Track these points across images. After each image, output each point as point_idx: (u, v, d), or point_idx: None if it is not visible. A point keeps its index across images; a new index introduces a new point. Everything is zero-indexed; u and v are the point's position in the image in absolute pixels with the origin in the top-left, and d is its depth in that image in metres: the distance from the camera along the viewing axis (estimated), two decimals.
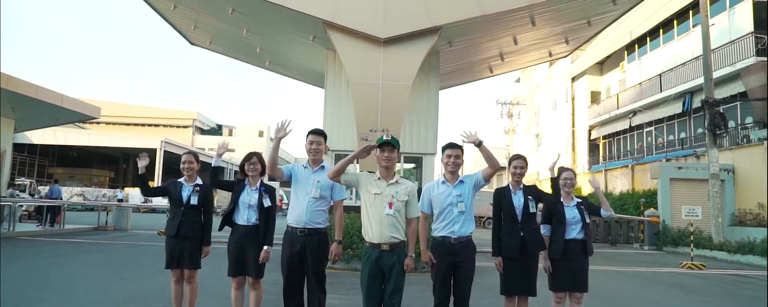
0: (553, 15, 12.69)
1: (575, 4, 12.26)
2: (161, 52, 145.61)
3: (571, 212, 4.14)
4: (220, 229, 4.26)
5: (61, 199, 17.33)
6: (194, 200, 4.30)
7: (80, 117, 16.79)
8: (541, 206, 4.22)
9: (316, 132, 3.97)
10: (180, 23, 15.16)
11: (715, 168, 14.17)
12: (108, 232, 15.94)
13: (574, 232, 4.11)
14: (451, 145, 3.81)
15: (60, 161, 44.25)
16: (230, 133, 60.94)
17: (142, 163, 4.38)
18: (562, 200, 4.21)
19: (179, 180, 4.41)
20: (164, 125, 55.98)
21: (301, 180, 3.91)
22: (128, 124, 53.45)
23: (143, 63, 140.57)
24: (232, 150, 4.05)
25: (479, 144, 3.71)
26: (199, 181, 4.43)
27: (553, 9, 12.17)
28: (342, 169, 3.58)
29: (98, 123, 50.99)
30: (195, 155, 4.48)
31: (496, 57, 15.67)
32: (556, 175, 4.26)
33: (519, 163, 4.08)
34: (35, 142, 37.84)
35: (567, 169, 4.30)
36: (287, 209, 4.13)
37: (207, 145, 52.93)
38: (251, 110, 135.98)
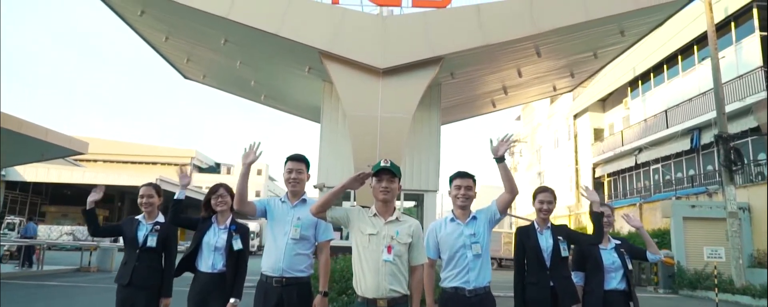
0: (558, 46, 12.19)
1: (581, 35, 11.78)
2: (160, 89, 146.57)
3: (610, 257, 3.39)
4: (178, 274, 3.50)
5: (36, 237, 16.51)
6: (152, 242, 3.56)
7: (67, 152, 16.12)
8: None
9: (296, 158, 3.27)
10: (173, 56, 14.70)
11: (733, 206, 13.40)
12: (90, 273, 15.02)
13: (614, 281, 3.36)
14: (461, 175, 3.10)
15: (53, 199, 43.40)
16: (229, 172, 60.30)
17: (92, 197, 3.66)
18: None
19: (136, 217, 3.68)
20: (162, 163, 55.42)
21: (278, 217, 3.19)
22: (125, 162, 52.89)
23: (142, 101, 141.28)
24: (189, 178, 3.21)
25: (501, 159, 3.00)
26: (160, 218, 3.70)
27: (559, 40, 11.67)
28: (328, 202, 2.86)
29: (95, 161, 50.64)
30: (155, 186, 3.76)
31: (500, 91, 15.13)
32: (598, 209, 3.43)
33: (546, 197, 3.35)
34: (28, 179, 37.10)
35: (604, 204, 3.55)
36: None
37: (205, 183, 52.16)
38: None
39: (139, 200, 3.66)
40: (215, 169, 61.61)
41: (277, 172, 67.21)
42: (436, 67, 10.81)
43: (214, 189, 3.48)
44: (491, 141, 3.06)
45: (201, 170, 59.11)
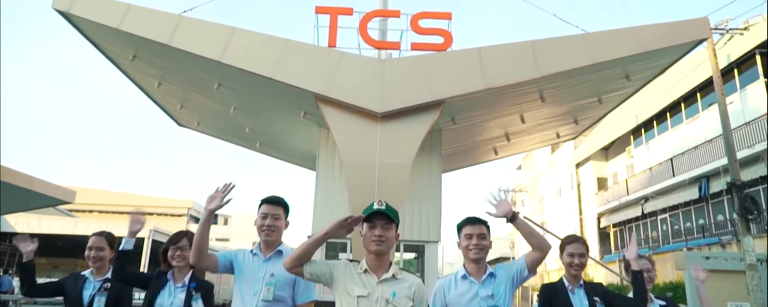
0: (562, 91, 11.83)
1: (586, 79, 11.44)
2: (157, 138, 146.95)
3: None
4: None
5: (12, 291, 15.68)
6: (100, 303, 2.95)
7: (54, 201, 15.53)
8: None
9: (272, 201, 2.70)
10: (166, 102, 14.36)
11: (752, 258, 12.67)
12: None
13: None
14: (472, 221, 2.54)
15: (44, 250, 42.12)
16: (226, 223, 59.23)
17: (26, 247, 3.07)
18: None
19: (83, 273, 3.08)
20: (158, 214, 54.51)
21: (248, 273, 2.60)
22: (121, 213, 52.00)
23: (139, 150, 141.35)
24: (141, 224, 2.61)
25: (513, 217, 2.44)
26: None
27: (563, 84, 11.33)
28: (305, 254, 2.28)
29: (90, 211, 49.82)
30: (108, 236, 3.17)
31: (502, 137, 14.69)
32: (637, 267, 2.81)
33: (577, 248, 2.77)
34: (19, 230, 36.17)
35: (642, 256, 2.95)
36: None
37: None
38: (249, 198, 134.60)
39: (86, 253, 3.07)
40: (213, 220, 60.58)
41: None
42: (437, 111, 10.39)
43: (176, 239, 2.91)
44: (490, 201, 2.51)
45: (197, 220, 58.09)
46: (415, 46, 10.55)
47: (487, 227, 2.55)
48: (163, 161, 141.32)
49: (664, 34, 10.62)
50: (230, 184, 2.61)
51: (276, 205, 2.68)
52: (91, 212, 49.58)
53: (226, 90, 11.66)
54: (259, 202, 2.68)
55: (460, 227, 2.63)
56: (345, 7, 10.60)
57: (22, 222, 33.74)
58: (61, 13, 10.49)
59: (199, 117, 15.13)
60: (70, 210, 40.60)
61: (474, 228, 2.55)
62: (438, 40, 10.57)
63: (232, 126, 14.79)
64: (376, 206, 2.33)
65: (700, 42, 11.07)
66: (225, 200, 2.54)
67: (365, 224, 2.32)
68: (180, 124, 16.31)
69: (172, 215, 54.79)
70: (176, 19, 10.27)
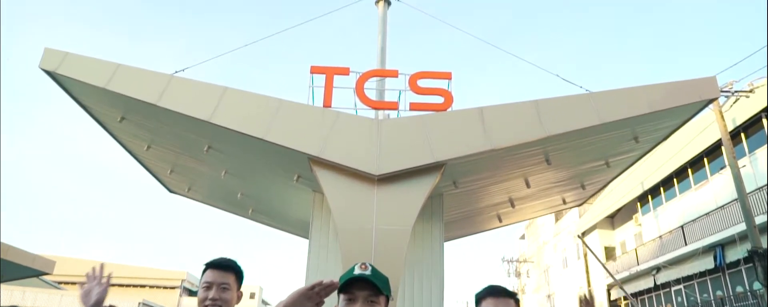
0: (568, 153, 11.32)
1: (593, 141, 10.95)
2: (151, 207, 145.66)
3: None
4: None
5: None
6: None
7: (30, 272, 14.59)
8: None
9: (219, 265, 2.04)
10: (156, 167, 13.84)
11: None
12: None
13: None
14: (496, 292, 1.87)
15: None
16: None
17: None
18: None
19: None
20: (151, 286, 52.74)
21: None
22: (111, 285, 50.30)
23: (133, 220, 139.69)
24: (103, 286, 1.94)
25: None
26: None
27: (569, 145, 10.82)
28: None
29: (82, 283, 48.08)
30: None
31: (506, 203, 14.01)
32: None
33: None
34: (3, 303, 34.66)
35: None
36: None
37: None
38: (245, 269, 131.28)
39: None
40: None
41: (272, 295, 63.89)
42: (438, 174, 9.79)
43: None
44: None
45: (191, 293, 56.08)
46: (413, 107, 10.13)
47: (516, 301, 1.88)
48: (157, 231, 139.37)
49: (673, 93, 10.25)
50: (101, 265, 1.95)
51: (224, 271, 2.04)
52: (82, 283, 47.70)
53: (216, 153, 11.15)
54: (203, 267, 2.03)
55: (480, 299, 1.96)
56: (341, 67, 10.28)
57: (5, 295, 32.40)
58: (48, 72, 10.18)
59: (190, 183, 14.53)
60: (58, 282, 39.12)
61: (499, 302, 1.88)
62: (438, 100, 10.18)
63: (224, 192, 14.17)
64: (357, 271, 1.68)
65: (710, 102, 10.68)
66: (97, 294, 1.87)
67: (341, 296, 1.66)
68: (171, 191, 15.71)
69: (165, 288, 52.94)
70: (166, 79, 9.91)
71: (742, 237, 14.21)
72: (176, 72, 10.55)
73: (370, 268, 1.74)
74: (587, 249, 28.68)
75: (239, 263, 2.16)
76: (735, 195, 16.30)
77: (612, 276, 21.79)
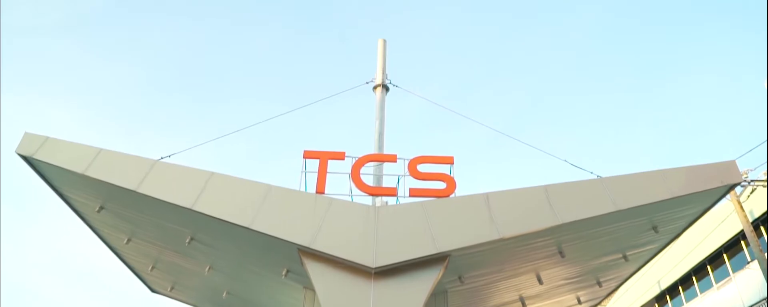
0: (583, 244, 10.43)
1: (609, 231, 10.11)
2: None
3: None
4: None
5: None
6: None
7: None
8: None
9: None
10: (137, 263, 12.88)
11: None
12: None
13: None
14: None
15: None
16: None
17: None
18: None
19: None
20: None
21: None
22: None
23: None
24: None
25: None
26: None
27: (583, 235, 9.96)
28: None
29: None
30: None
31: (516, 302, 12.83)
32: None
33: None
34: None
35: None
36: None
37: None
38: None
39: None
40: None
41: None
42: (441, 267, 8.83)
43: None
44: None
45: None
46: (413, 193, 9.39)
47: None
48: None
49: (691, 178, 9.57)
50: None
51: None
52: None
53: (200, 245, 10.26)
54: None
55: None
56: (336, 152, 9.68)
57: None
58: (24, 158, 9.60)
59: (173, 280, 13.45)
60: None
61: None
62: (439, 185, 9.45)
63: (209, 290, 13.06)
64: None
65: (732, 187, 9.96)
66: None
67: None
68: (153, 291, 14.60)
69: None
70: (148, 164, 9.30)
71: None
72: (162, 158, 9.96)
73: None
74: None
75: None
76: (764, 294, 15.07)
77: None
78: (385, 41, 13.63)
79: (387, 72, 13.06)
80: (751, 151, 13.33)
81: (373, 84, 12.93)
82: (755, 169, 13.86)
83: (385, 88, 12.70)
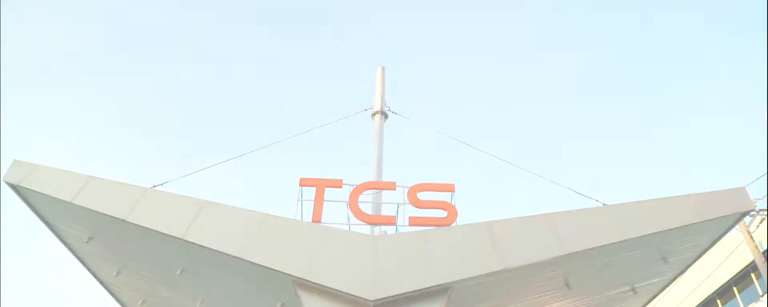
0: (590, 275, 10.06)
1: (617, 261, 9.75)
2: None
3: None
4: None
5: None
6: None
7: None
8: None
9: None
10: (127, 297, 12.44)
11: None
12: None
13: None
14: None
15: None
16: None
17: None
18: None
19: None
20: None
21: None
22: None
23: None
24: None
25: None
26: None
27: (590, 265, 9.59)
28: None
29: None
30: None
31: None
32: None
33: None
34: None
35: None
36: None
37: None
38: None
39: None
40: None
41: None
42: (443, 299, 8.42)
43: None
44: None
45: None
46: (413, 222, 9.09)
47: None
48: None
49: (701, 205, 9.27)
50: None
51: None
52: None
53: (191, 276, 9.87)
54: None
55: None
56: (333, 179, 9.42)
57: None
58: (12, 186, 9.31)
59: None
60: None
61: None
62: (440, 214, 9.16)
63: None
64: None
65: (743, 215, 9.65)
66: None
67: None
68: None
69: None
70: (139, 192, 9.02)
71: None
72: (154, 186, 9.68)
73: None
74: None
75: None
76: None
77: None
78: (383, 68, 13.57)
79: (386, 99, 12.96)
80: (756, 180, 13.05)
81: (372, 111, 12.80)
82: (762, 198, 13.56)
83: (384, 114, 12.55)
